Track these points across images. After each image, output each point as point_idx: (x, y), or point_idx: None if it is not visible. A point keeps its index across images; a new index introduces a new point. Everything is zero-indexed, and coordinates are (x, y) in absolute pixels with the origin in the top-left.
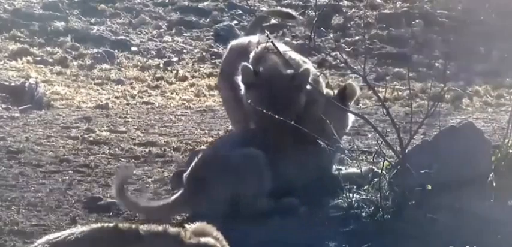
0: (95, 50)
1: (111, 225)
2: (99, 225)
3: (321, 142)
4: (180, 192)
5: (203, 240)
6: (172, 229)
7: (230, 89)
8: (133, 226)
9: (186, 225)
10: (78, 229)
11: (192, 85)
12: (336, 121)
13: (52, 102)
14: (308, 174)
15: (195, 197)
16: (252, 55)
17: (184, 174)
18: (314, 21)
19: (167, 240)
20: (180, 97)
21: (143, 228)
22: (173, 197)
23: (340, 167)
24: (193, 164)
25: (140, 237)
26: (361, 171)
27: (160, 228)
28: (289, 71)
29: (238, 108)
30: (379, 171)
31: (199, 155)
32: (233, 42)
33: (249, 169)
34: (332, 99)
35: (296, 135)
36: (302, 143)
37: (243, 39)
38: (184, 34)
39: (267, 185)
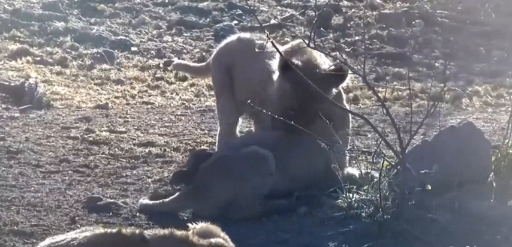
0: (95, 50)
1: (114, 230)
2: (102, 230)
3: (323, 143)
4: (185, 189)
5: (214, 241)
6: (179, 232)
7: (225, 72)
8: (137, 230)
9: (190, 225)
10: (82, 233)
11: (192, 85)
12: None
13: (52, 102)
14: (316, 175)
15: (199, 194)
16: (285, 47)
17: (200, 167)
18: (314, 21)
19: (174, 243)
20: (180, 97)
21: (148, 232)
22: (177, 194)
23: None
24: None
25: (145, 240)
26: (361, 171)
27: (166, 231)
28: (327, 67)
29: (228, 90)
30: (379, 172)
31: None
32: (240, 34)
33: (253, 170)
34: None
35: (308, 133)
36: (312, 142)
37: (248, 35)
38: (184, 34)
39: (268, 186)
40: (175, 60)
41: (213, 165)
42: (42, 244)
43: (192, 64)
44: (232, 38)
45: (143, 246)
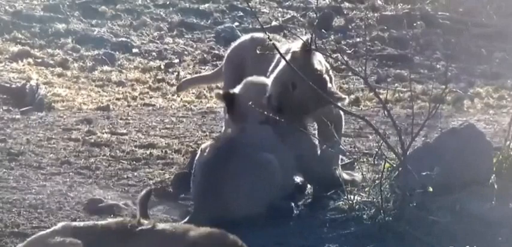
0: (96, 52)
1: (128, 219)
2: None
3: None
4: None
5: (161, 225)
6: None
7: (236, 72)
8: (138, 222)
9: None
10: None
11: None
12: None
13: (53, 104)
14: (310, 173)
15: (209, 202)
16: (286, 47)
17: (193, 177)
18: (315, 23)
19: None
20: (181, 99)
21: (144, 227)
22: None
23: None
24: (202, 163)
25: (137, 232)
26: (362, 174)
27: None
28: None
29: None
30: (380, 174)
31: (210, 154)
32: (253, 34)
33: (262, 181)
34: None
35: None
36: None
37: (261, 35)
38: (185, 36)
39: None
40: (183, 78)
41: (217, 171)
42: (61, 224)
43: (201, 75)
44: (245, 37)
45: (133, 235)
